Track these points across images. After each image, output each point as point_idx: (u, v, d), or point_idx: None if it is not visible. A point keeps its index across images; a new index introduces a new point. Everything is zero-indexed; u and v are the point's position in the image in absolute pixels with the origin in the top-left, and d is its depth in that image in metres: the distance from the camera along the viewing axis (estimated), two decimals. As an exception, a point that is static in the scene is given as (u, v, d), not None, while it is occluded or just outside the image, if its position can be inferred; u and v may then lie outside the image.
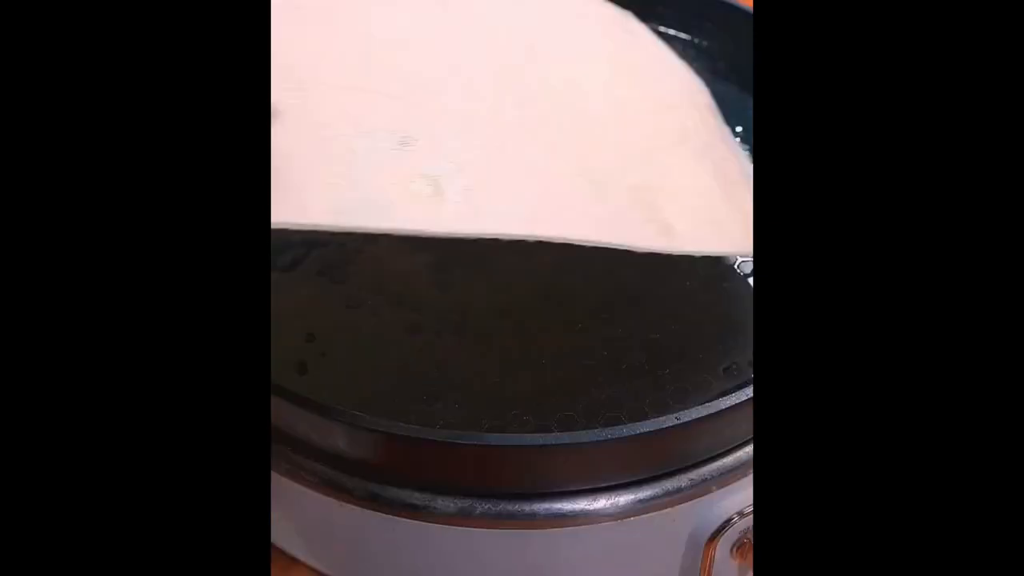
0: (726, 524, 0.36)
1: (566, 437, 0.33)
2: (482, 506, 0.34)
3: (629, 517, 0.34)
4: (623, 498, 0.34)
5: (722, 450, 0.36)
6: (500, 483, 0.34)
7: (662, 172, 0.39)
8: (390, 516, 0.35)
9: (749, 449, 0.36)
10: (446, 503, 0.34)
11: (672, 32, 0.60)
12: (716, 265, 0.45)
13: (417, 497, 0.34)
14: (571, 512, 0.34)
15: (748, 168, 0.45)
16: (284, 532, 0.40)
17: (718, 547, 0.36)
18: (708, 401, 0.34)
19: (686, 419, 0.33)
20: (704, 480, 0.35)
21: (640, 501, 0.34)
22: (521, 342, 0.41)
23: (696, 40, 0.60)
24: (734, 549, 0.37)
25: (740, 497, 0.36)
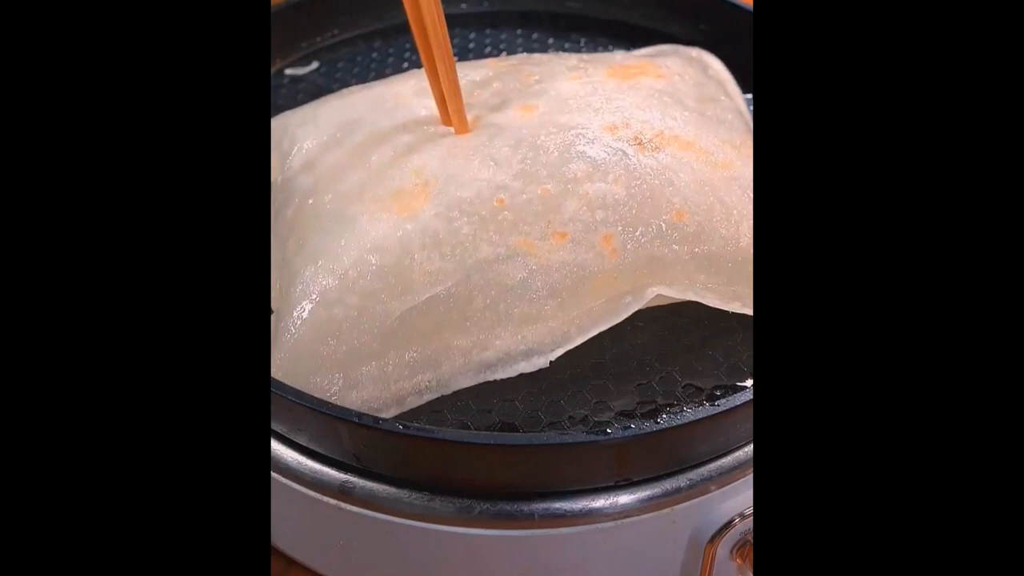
0: (727, 525, 0.36)
1: (565, 438, 0.33)
2: (480, 506, 0.34)
3: (628, 517, 0.34)
4: (622, 498, 0.34)
5: (722, 451, 0.36)
6: (498, 484, 0.34)
7: None
8: (388, 516, 0.35)
9: (748, 449, 0.36)
10: (444, 503, 0.34)
11: (671, 31, 0.60)
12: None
13: (416, 497, 0.34)
14: (570, 512, 0.34)
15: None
16: (282, 532, 0.40)
17: (719, 548, 0.36)
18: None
19: (688, 420, 0.33)
20: (703, 480, 0.35)
21: (639, 501, 0.34)
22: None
23: (696, 40, 0.60)
24: (735, 551, 0.36)
25: (741, 498, 0.36)
